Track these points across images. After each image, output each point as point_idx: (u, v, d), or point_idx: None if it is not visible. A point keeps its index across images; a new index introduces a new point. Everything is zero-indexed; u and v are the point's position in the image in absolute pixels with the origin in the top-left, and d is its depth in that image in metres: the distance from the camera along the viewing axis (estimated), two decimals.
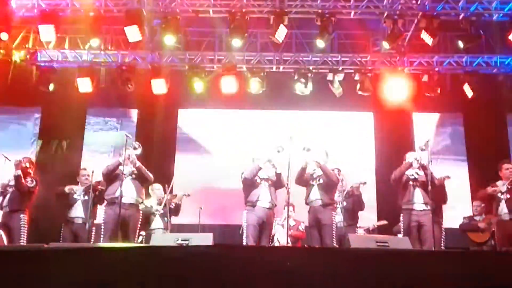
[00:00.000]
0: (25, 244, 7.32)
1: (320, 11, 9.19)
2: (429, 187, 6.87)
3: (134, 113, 11.74)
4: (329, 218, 7.03)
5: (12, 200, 7.59)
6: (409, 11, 9.35)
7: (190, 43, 10.30)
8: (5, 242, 7.02)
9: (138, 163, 7.40)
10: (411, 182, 7.17)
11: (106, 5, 9.35)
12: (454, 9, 9.27)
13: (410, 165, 7.20)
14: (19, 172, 7.59)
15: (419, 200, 7.10)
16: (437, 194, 7.32)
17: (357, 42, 10.73)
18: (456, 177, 7.89)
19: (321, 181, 7.18)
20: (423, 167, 7.11)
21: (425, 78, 10.16)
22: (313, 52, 10.46)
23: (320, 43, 9.34)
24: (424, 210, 7.05)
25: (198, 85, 10.26)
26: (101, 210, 7.58)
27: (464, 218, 8.95)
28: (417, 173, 7.17)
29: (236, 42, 9.26)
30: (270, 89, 10.52)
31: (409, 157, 7.31)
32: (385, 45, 9.40)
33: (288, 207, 7.32)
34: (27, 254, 4.55)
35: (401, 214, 7.22)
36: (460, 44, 9.23)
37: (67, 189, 7.89)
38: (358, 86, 10.09)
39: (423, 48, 9.64)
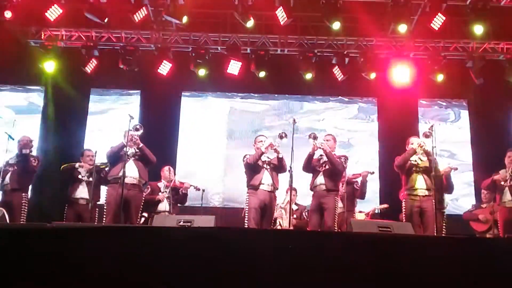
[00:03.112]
0: (24, 222, 7.35)
1: None
2: (432, 173, 6.86)
3: (137, 94, 11.68)
4: (332, 202, 7.03)
5: (14, 179, 7.59)
6: None
7: (194, 24, 10.21)
8: (7, 220, 7.02)
9: (141, 144, 7.38)
10: (414, 168, 7.15)
11: None
12: None
13: (414, 151, 7.17)
14: (27, 151, 7.60)
15: (421, 186, 7.09)
16: (442, 183, 7.31)
17: (363, 26, 10.65)
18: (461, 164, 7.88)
19: (327, 167, 7.17)
20: (427, 153, 7.08)
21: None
22: (319, 35, 10.41)
23: (336, 25, 9.20)
24: (426, 195, 7.04)
25: (201, 71, 10.26)
26: (104, 191, 7.59)
27: (472, 205, 9.00)
28: (420, 159, 7.15)
29: (249, 23, 9.19)
30: (274, 73, 10.47)
31: (413, 142, 7.28)
32: (402, 28, 9.26)
33: (291, 191, 7.32)
34: (30, 233, 4.56)
35: (403, 200, 7.21)
36: (479, 29, 9.08)
37: (77, 164, 7.93)
38: None
39: (429, 33, 9.54)
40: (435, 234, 6.68)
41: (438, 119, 11.64)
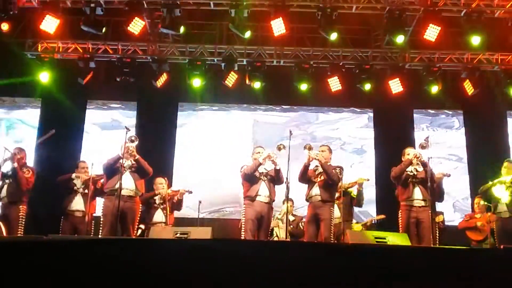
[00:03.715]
0: (23, 235, 7.34)
1: (321, 5, 9.13)
2: (429, 184, 6.87)
3: (134, 106, 11.71)
4: (328, 213, 7.02)
5: (10, 192, 7.59)
6: (411, 6, 9.33)
7: (190, 36, 10.27)
8: (4, 233, 7.01)
9: (137, 156, 7.37)
10: (410, 179, 7.16)
11: None
12: (455, 5, 9.25)
13: (411, 162, 7.18)
14: (16, 164, 7.59)
15: (418, 196, 7.09)
16: (433, 191, 7.32)
17: (358, 37, 10.74)
18: (456, 175, 7.95)
19: (322, 178, 7.17)
20: (423, 164, 7.10)
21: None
22: (314, 47, 10.47)
23: (333, 36, 9.17)
24: (422, 206, 7.04)
25: (196, 81, 10.27)
26: (100, 202, 7.59)
27: (465, 215, 9.03)
28: (416, 170, 7.16)
29: (247, 34, 9.21)
30: (270, 84, 10.51)
31: (409, 153, 7.30)
32: (399, 39, 9.26)
33: (288, 202, 7.31)
34: (26, 246, 4.56)
35: (400, 211, 7.22)
36: (476, 39, 9.08)
37: (74, 175, 7.94)
38: None
39: (424, 44, 9.61)
40: (431, 245, 6.69)
41: (444, 126, 12.01)
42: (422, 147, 7.03)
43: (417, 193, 7.10)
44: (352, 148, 11.79)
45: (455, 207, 11.03)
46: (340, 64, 10.45)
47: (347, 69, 10.47)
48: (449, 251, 4.98)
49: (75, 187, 7.90)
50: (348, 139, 11.84)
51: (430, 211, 6.87)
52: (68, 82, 10.48)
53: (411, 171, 7.17)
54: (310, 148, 7.21)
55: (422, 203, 7.05)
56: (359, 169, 11.11)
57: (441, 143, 11.51)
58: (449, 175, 7.67)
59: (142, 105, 11.61)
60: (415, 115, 11.82)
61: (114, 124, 11.77)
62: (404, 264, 4.36)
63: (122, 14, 9.27)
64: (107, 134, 11.66)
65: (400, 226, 7.13)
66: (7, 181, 7.63)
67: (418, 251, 5.24)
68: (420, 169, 7.14)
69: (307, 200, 7.30)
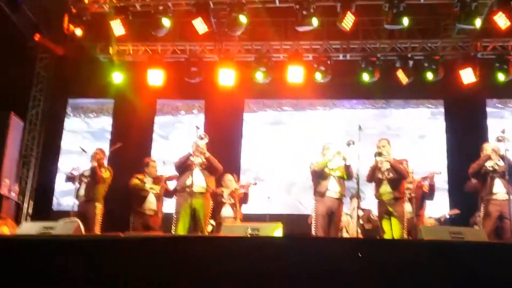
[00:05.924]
0: (99, 233, 7.60)
1: None
2: (507, 177, 6.67)
3: (202, 104, 11.92)
4: (400, 209, 6.95)
5: (88, 190, 7.88)
6: None
7: (256, 34, 10.31)
8: (83, 231, 7.29)
9: (208, 154, 7.49)
10: (491, 174, 6.98)
11: None
12: None
13: (489, 157, 7.02)
14: (95, 163, 7.88)
15: (500, 189, 6.90)
16: None
17: (427, 28, 10.46)
18: None
19: (391, 175, 7.06)
20: (502, 157, 6.90)
21: None
22: (381, 39, 10.29)
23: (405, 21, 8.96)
24: (506, 199, 6.82)
25: (259, 75, 10.26)
26: (169, 201, 7.77)
27: None
28: (497, 164, 6.99)
29: (315, 21, 9.08)
30: (337, 78, 10.40)
31: (487, 148, 7.12)
32: (478, 22, 8.86)
33: (359, 199, 7.24)
34: (105, 243, 4.75)
35: (482, 205, 7.04)
36: None
37: (147, 187, 7.96)
38: None
39: (497, 32, 9.25)
40: None
41: None
42: (499, 140, 6.83)
43: (499, 186, 6.93)
44: (418, 136, 11.54)
45: None
46: (409, 56, 10.21)
47: (415, 61, 10.21)
48: None
49: (145, 188, 8.03)
50: (419, 130, 11.59)
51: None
52: (138, 82, 10.75)
53: (491, 166, 7.01)
54: (380, 154, 7.08)
55: (506, 196, 6.82)
56: (431, 158, 10.88)
57: None
58: None
59: (209, 103, 11.77)
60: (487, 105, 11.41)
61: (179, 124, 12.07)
62: (482, 262, 4.25)
63: (190, 15, 9.42)
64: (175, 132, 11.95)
65: (482, 219, 6.94)
66: (85, 180, 7.94)
67: (498, 247, 5.07)
68: (501, 163, 6.96)
69: (377, 197, 7.20)
